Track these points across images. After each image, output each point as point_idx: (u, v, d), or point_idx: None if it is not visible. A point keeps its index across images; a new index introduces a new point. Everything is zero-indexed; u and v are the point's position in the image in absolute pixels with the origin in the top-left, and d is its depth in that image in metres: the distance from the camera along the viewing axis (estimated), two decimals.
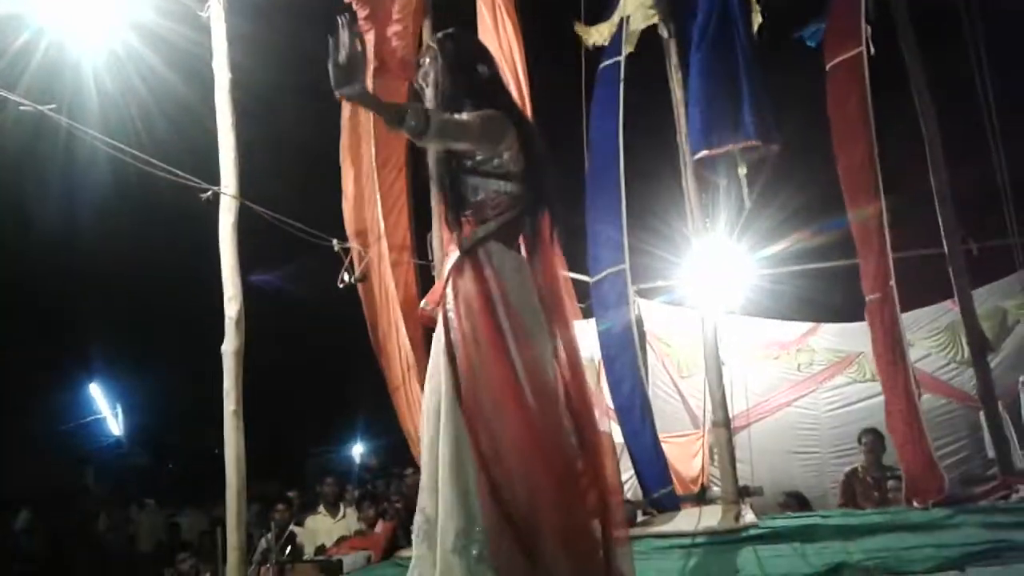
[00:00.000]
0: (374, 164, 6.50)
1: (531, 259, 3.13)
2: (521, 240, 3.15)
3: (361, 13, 6.38)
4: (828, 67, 6.38)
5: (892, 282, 5.90)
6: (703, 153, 6.02)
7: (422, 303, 3.18)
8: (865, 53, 6.07)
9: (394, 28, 6.48)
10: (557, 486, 2.82)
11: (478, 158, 3.04)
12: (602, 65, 6.68)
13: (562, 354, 3.09)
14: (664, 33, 6.44)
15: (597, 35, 6.72)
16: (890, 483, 7.15)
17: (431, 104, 3.11)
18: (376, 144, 6.56)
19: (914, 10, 6.61)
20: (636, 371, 6.36)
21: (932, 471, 5.70)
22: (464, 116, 2.98)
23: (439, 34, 3.28)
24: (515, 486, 2.79)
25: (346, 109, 6.63)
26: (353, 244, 6.19)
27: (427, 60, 3.20)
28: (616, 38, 6.56)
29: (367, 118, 6.52)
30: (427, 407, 3.05)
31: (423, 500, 3.00)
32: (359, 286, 6.10)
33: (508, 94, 3.28)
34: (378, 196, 6.40)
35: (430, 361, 3.09)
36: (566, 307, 3.19)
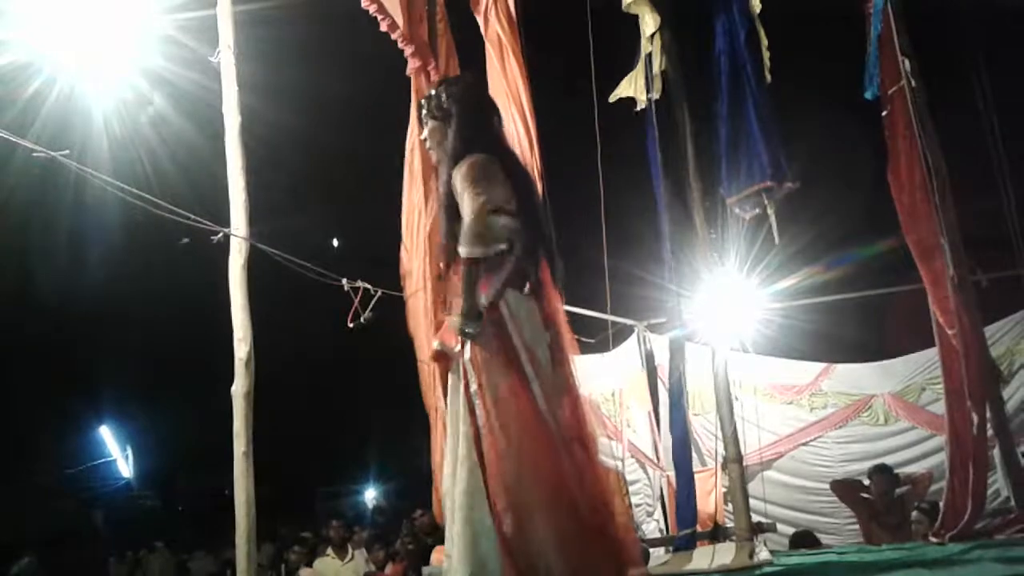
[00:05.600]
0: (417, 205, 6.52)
1: (535, 298, 3.16)
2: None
3: (408, 50, 6.41)
4: (884, 112, 6.42)
5: (964, 316, 5.85)
6: (731, 200, 6.14)
7: (435, 344, 3.18)
8: (908, 86, 6.10)
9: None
10: (583, 528, 2.84)
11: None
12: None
13: (567, 386, 3.13)
14: (672, 71, 6.50)
15: (627, 86, 6.76)
16: (914, 514, 7.12)
17: (443, 134, 3.29)
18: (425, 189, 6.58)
19: (918, 44, 6.64)
20: (683, 412, 6.37)
21: (975, 505, 5.64)
22: (468, 218, 3.08)
23: (438, 86, 3.37)
24: (534, 532, 2.81)
25: (408, 154, 6.63)
26: (363, 284, 6.17)
27: (444, 96, 3.33)
28: (648, 78, 6.62)
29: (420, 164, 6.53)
30: (448, 458, 3.06)
31: (448, 545, 3.01)
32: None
33: (499, 136, 3.33)
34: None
35: (448, 410, 3.10)
36: (567, 344, 3.23)
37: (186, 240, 4.50)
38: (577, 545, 2.82)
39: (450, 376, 3.13)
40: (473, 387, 2.98)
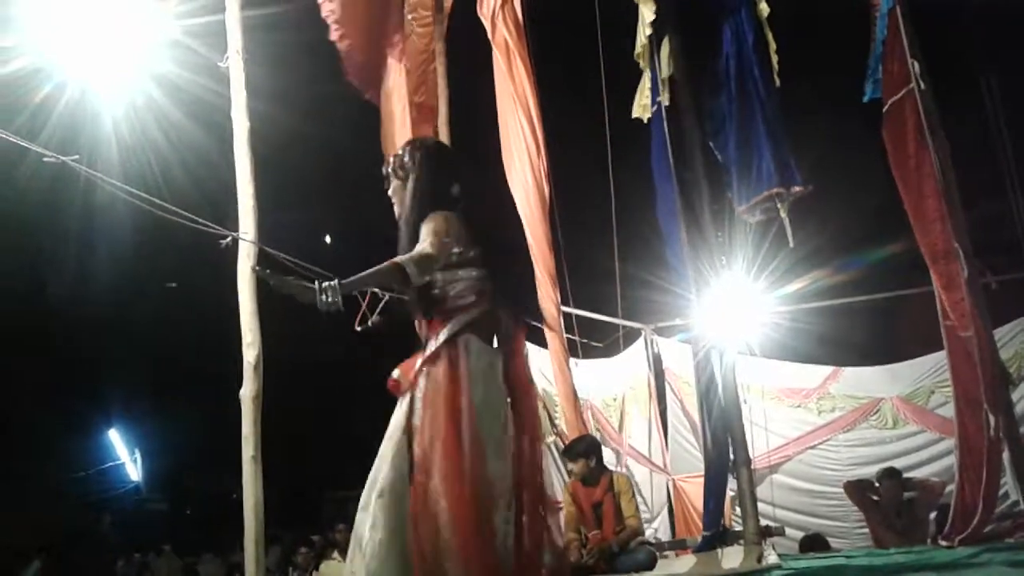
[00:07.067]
0: None
1: (501, 347, 3.19)
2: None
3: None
4: (884, 110, 6.39)
5: (976, 319, 5.84)
6: (741, 209, 6.16)
7: (395, 372, 3.16)
8: (916, 89, 6.08)
9: (413, 77, 6.50)
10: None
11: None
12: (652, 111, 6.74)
13: (524, 447, 3.13)
14: (679, 76, 6.49)
15: (640, 108, 6.77)
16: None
17: (401, 195, 3.34)
18: None
19: (926, 46, 6.64)
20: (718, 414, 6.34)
21: (986, 509, 5.62)
22: (427, 243, 3.08)
23: (403, 147, 3.49)
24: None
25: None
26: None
27: (406, 157, 3.39)
28: (654, 82, 6.60)
29: None
30: (372, 478, 3.06)
31: (353, 563, 3.00)
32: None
33: (463, 196, 3.35)
34: None
35: (385, 438, 3.10)
36: (531, 396, 3.25)
37: (227, 241, 4.50)
38: None
39: (398, 406, 3.13)
40: (416, 421, 2.98)
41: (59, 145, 4.28)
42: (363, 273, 2.91)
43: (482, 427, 2.98)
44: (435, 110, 6.71)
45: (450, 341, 3.05)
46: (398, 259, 2.98)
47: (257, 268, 3.03)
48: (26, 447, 15.78)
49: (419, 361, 3.10)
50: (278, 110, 5.66)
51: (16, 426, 15.25)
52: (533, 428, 3.21)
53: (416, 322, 3.26)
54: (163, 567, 14.42)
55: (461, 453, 2.91)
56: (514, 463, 3.07)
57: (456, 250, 3.15)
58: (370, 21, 6.05)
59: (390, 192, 3.45)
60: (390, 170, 3.43)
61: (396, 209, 3.40)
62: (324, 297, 2.80)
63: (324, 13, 5.77)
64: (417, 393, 3.04)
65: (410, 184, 3.32)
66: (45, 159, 4.02)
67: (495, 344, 3.18)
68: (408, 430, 3.01)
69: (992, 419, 5.69)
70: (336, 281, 2.83)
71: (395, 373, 3.17)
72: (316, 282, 2.83)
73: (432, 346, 3.08)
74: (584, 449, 6.22)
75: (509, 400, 3.15)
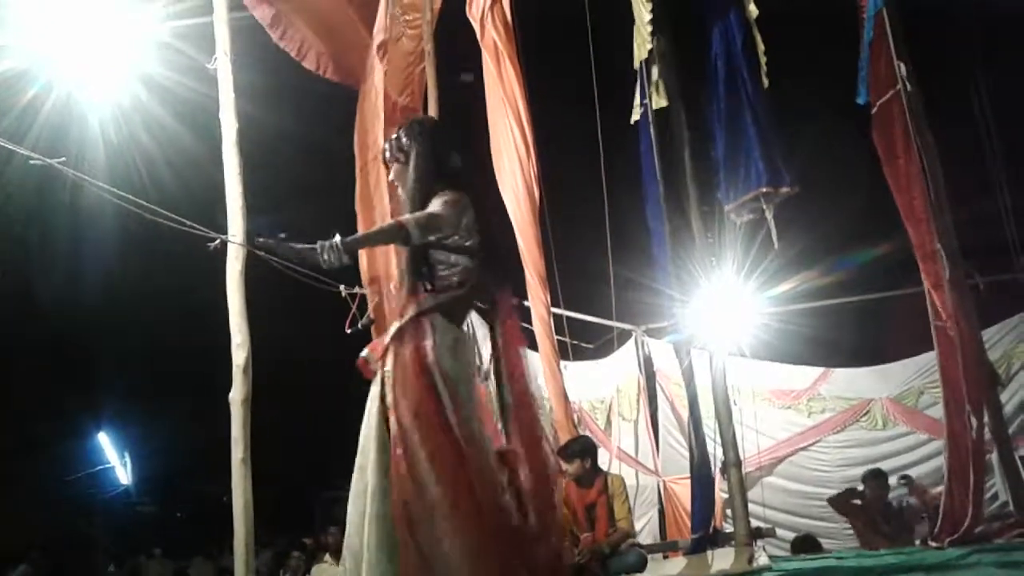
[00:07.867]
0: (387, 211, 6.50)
1: (491, 331, 3.28)
2: (482, 312, 3.32)
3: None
4: (872, 112, 6.41)
5: (962, 320, 5.85)
6: (729, 207, 6.17)
7: (364, 353, 3.17)
8: (903, 91, 6.09)
9: (399, 79, 6.49)
10: (493, 553, 2.82)
11: (444, 235, 3.18)
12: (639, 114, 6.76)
13: (520, 425, 3.17)
14: (669, 77, 6.51)
15: (639, 111, 6.79)
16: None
17: (404, 176, 3.35)
18: (389, 197, 6.57)
19: (914, 48, 6.65)
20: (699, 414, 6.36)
21: (975, 510, 5.64)
22: (436, 207, 3.16)
23: (398, 129, 3.48)
24: (446, 559, 2.79)
25: (359, 160, 6.63)
26: (360, 289, 6.16)
27: (404, 138, 3.39)
28: (641, 85, 6.62)
29: (377, 172, 6.53)
30: (355, 488, 3.07)
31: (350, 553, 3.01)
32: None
33: (460, 173, 3.40)
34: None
35: (360, 442, 3.10)
36: (527, 381, 3.29)
37: (215, 244, 4.49)
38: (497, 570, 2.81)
39: (372, 386, 3.13)
40: (389, 398, 2.99)
41: (46, 147, 4.27)
42: (367, 231, 3.01)
43: (461, 395, 3.02)
44: (417, 112, 6.70)
45: (415, 319, 3.08)
46: (401, 218, 3.10)
47: (259, 239, 3.05)
48: (15, 450, 15.71)
49: (386, 339, 3.13)
50: (266, 112, 5.65)
51: (5, 429, 15.18)
52: (531, 421, 3.23)
53: (387, 304, 3.28)
54: (154, 570, 14.37)
55: (446, 423, 2.93)
56: (513, 447, 3.13)
57: (463, 232, 3.21)
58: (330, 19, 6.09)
59: (392, 178, 3.48)
60: (389, 156, 3.45)
61: (399, 192, 3.43)
62: (326, 257, 2.89)
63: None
64: (386, 370, 3.06)
65: (411, 161, 3.34)
66: (32, 161, 4.01)
67: (471, 330, 3.24)
68: (383, 410, 3.02)
69: (974, 421, 5.70)
70: (337, 239, 2.91)
71: (364, 352, 3.18)
72: (318, 243, 2.90)
73: (396, 324, 3.11)
74: (580, 450, 6.19)
75: (506, 389, 3.23)
